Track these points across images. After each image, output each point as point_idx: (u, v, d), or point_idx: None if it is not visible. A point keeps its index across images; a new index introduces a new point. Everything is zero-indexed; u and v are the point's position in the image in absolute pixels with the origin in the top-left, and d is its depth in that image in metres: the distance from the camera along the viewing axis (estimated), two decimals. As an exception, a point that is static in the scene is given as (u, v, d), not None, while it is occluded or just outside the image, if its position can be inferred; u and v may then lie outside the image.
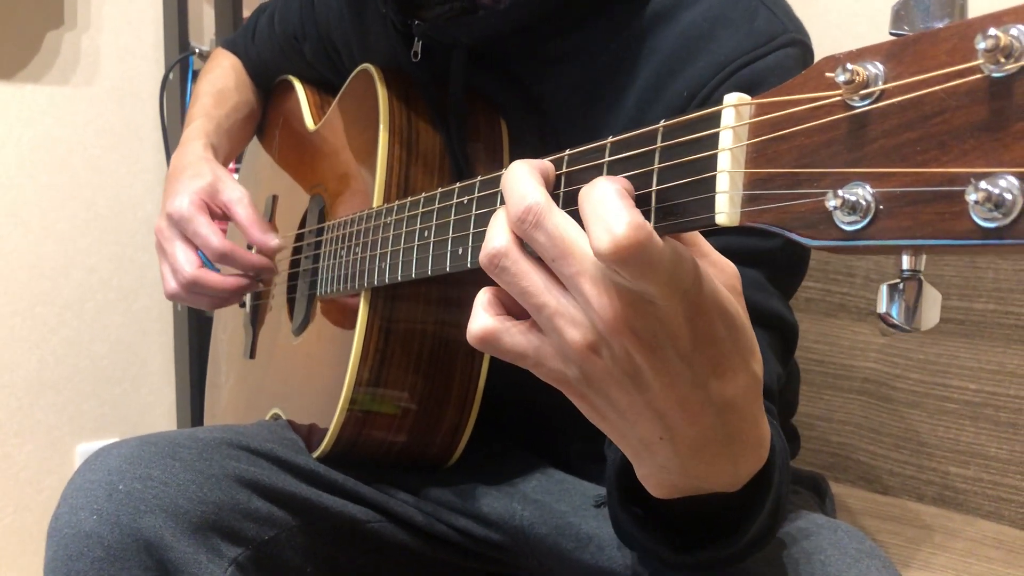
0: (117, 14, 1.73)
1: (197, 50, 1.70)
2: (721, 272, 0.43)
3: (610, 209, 0.37)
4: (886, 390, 1.16)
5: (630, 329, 0.40)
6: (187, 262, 0.87)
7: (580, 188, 0.40)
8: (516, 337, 0.44)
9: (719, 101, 0.38)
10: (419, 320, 0.76)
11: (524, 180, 0.42)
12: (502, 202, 0.53)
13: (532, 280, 0.42)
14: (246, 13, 1.69)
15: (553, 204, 0.41)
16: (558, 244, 0.40)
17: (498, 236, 0.42)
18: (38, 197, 1.69)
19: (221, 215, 0.91)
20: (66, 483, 0.71)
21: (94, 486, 0.68)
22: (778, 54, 0.66)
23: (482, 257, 0.43)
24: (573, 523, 0.74)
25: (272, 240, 0.87)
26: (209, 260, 0.88)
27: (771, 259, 0.66)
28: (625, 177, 0.41)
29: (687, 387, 0.42)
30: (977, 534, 1.03)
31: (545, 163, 0.45)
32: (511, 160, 0.78)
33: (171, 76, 1.69)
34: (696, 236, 0.44)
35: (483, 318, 0.44)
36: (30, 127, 1.66)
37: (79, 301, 1.75)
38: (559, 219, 0.40)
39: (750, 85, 0.65)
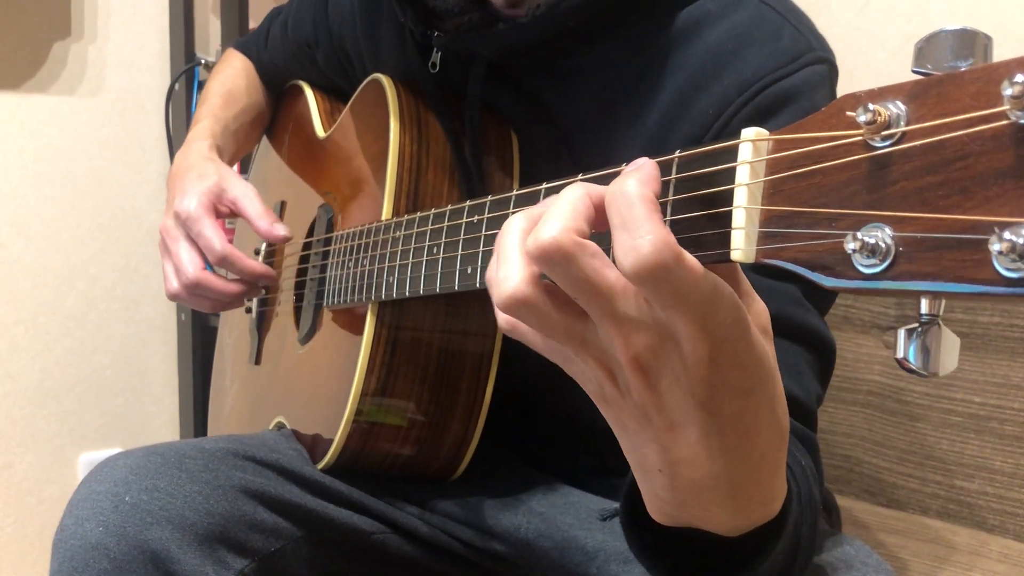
0: (123, 25, 1.74)
1: (203, 61, 1.70)
2: (756, 315, 0.41)
3: (637, 222, 0.35)
4: (891, 403, 1.16)
5: (646, 371, 0.38)
6: (190, 262, 0.87)
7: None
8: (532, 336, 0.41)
9: (745, 120, 0.37)
10: (427, 332, 0.76)
11: (560, 209, 0.38)
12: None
13: (552, 323, 0.39)
14: (252, 24, 1.70)
15: (583, 245, 0.37)
16: (580, 284, 0.37)
17: (513, 273, 0.39)
18: (42, 207, 1.69)
19: (228, 213, 0.90)
20: (68, 493, 0.70)
21: (100, 497, 0.68)
22: (804, 72, 0.66)
23: (496, 300, 0.40)
24: (578, 537, 0.74)
25: (280, 230, 0.86)
26: (210, 263, 0.88)
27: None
28: None
29: (699, 434, 0.40)
30: (982, 547, 1.02)
31: (605, 193, 0.40)
32: (522, 175, 0.78)
33: (176, 87, 1.70)
34: (735, 270, 0.41)
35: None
36: (35, 137, 1.67)
37: (82, 311, 1.75)
38: (586, 264, 0.37)
39: (776, 104, 0.65)
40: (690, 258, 0.36)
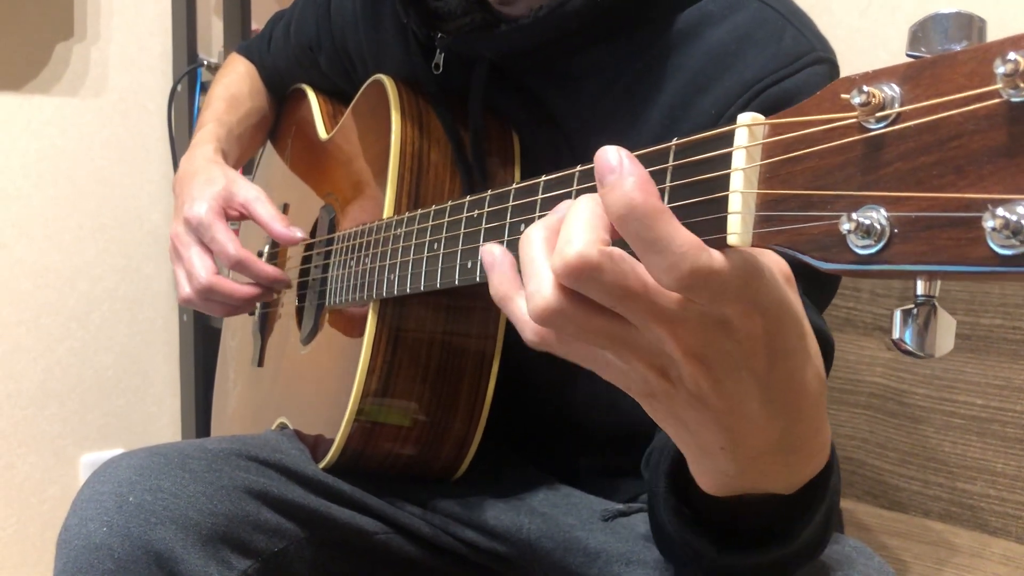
0: (126, 26, 1.74)
1: (205, 62, 1.71)
2: (779, 268, 0.40)
3: (665, 241, 0.35)
4: (892, 405, 1.16)
5: (703, 360, 0.38)
6: (203, 268, 0.86)
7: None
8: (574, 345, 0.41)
9: None
10: (428, 331, 0.76)
11: (579, 221, 0.37)
12: (521, 216, 0.53)
13: (592, 328, 0.39)
14: (255, 26, 1.70)
15: (609, 253, 0.37)
16: (615, 293, 0.37)
17: (544, 286, 0.38)
18: (44, 208, 1.69)
19: (238, 216, 0.90)
20: (70, 494, 0.71)
21: (104, 497, 0.68)
22: (805, 73, 0.66)
23: (531, 314, 0.39)
24: (580, 537, 0.74)
25: (296, 233, 0.86)
26: (224, 267, 0.88)
27: (808, 272, 0.65)
28: None
29: (757, 403, 0.40)
30: (984, 550, 1.02)
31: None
32: (523, 175, 0.79)
33: (179, 88, 1.70)
34: None
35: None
36: (37, 138, 1.67)
37: (85, 312, 1.75)
38: (619, 271, 0.36)
39: (777, 104, 0.64)
40: (716, 252, 0.36)
